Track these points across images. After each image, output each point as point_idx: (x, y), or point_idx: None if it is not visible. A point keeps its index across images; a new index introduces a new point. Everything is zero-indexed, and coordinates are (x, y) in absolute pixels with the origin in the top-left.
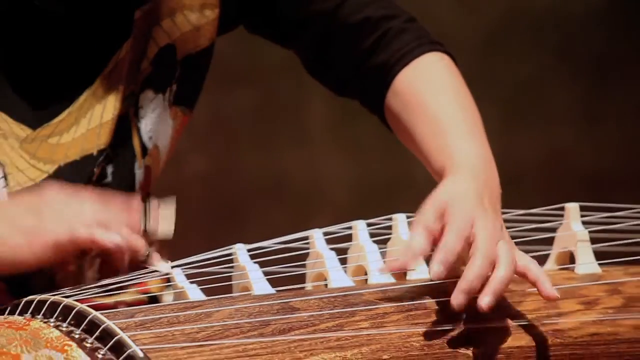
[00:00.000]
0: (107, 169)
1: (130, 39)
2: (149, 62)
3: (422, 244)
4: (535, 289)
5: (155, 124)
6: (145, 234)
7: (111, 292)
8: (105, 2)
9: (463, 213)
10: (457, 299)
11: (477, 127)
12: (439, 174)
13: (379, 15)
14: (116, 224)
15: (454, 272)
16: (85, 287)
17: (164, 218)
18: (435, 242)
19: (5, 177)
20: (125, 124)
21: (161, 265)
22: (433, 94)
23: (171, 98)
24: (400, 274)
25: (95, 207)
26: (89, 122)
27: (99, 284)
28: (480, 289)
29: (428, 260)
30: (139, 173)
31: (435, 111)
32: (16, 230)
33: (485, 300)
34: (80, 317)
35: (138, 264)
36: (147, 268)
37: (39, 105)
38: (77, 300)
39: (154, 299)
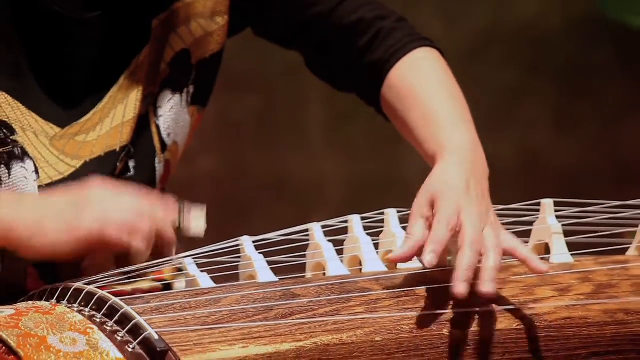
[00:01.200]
0: (130, 163)
1: (148, 44)
2: (166, 65)
3: (421, 232)
4: (512, 276)
5: (173, 122)
6: (178, 231)
7: (129, 280)
8: (126, 12)
9: (450, 204)
10: (458, 288)
11: (465, 115)
12: (431, 160)
13: (372, 16)
14: (147, 227)
15: (441, 262)
16: (105, 275)
17: (195, 218)
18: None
19: (36, 170)
20: (145, 122)
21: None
22: (424, 86)
23: (189, 98)
24: (391, 264)
25: (132, 205)
26: (112, 121)
27: (118, 271)
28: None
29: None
30: (159, 167)
31: (427, 101)
32: (59, 225)
33: (485, 288)
34: (101, 302)
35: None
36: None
37: (67, 107)
38: (97, 288)
39: (168, 286)
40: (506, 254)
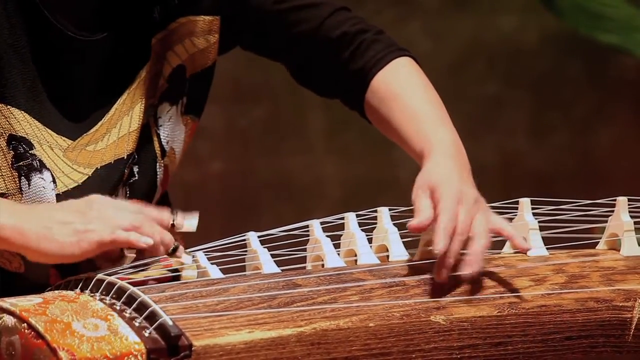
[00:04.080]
0: (134, 168)
1: (149, 61)
2: (164, 79)
3: (430, 208)
4: (492, 268)
5: (171, 130)
6: (173, 227)
7: (141, 269)
8: (128, 33)
9: (451, 193)
10: (440, 275)
11: (445, 115)
12: (419, 156)
13: (354, 30)
14: (149, 222)
15: (429, 255)
16: (122, 267)
17: (189, 216)
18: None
19: (54, 180)
20: (147, 131)
21: (185, 257)
22: (406, 90)
23: (182, 109)
24: (384, 257)
25: (132, 211)
26: (119, 131)
27: (133, 264)
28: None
29: (405, 243)
30: (160, 172)
31: (410, 103)
32: (68, 230)
33: (468, 270)
34: (120, 292)
35: (167, 255)
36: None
37: (77, 120)
38: (117, 278)
39: (176, 270)
40: (494, 232)
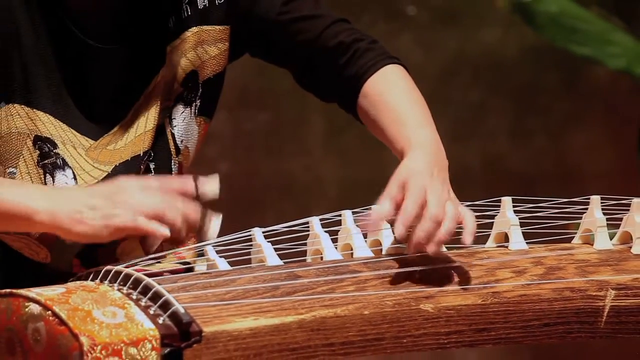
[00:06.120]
0: (150, 165)
1: (164, 67)
2: (178, 83)
3: (387, 209)
4: (476, 260)
5: (185, 131)
6: (197, 196)
7: (156, 261)
8: (145, 41)
9: (418, 185)
10: (410, 250)
11: (427, 118)
12: (400, 154)
13: (350, 39)
14: (173, 208)
15: (420, 248)
16: (138, 260)
17: (210, 182)
18: (398, 208)
19: (75, 177)
20: (162, 131)
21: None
22: (393, 95)
23: (196, 111)
24: (377, 250)
25: (158, 194)
26: (136, 131)
27: (149, 257)
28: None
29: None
30: (174, 168)
31: (395, 107)
32: (97, 214)
33: (431, 248)
34: (136, 282)
35: (195, 236)
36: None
37: (98, 122)
38: (133, 270)
39: (188, 263)
40: (458, 220)
